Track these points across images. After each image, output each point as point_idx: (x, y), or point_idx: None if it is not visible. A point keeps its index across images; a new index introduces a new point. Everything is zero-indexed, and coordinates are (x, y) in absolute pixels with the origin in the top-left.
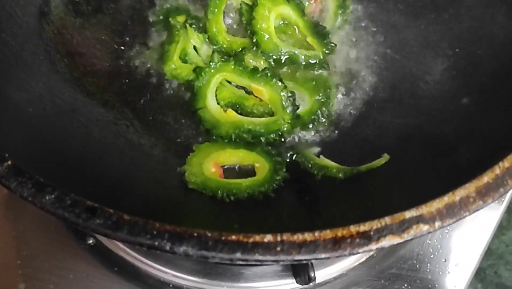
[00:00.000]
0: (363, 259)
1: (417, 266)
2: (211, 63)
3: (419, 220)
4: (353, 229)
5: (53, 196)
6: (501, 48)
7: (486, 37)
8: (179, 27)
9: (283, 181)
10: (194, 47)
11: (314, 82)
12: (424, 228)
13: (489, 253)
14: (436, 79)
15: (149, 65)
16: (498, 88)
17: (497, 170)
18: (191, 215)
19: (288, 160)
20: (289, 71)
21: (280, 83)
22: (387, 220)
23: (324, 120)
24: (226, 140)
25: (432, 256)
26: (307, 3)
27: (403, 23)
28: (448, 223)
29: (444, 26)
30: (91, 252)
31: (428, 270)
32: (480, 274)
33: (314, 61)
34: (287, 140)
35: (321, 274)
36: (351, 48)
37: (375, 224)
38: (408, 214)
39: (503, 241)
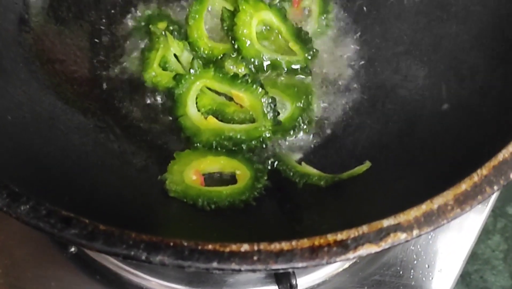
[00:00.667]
0: (346, 266)
1: (401, 272)
2: (191, 70)
3: (396, 228)
4: (330, 237)
5: (28, 206)
6: (483, 54)
7: (468, 43)
8: (159, 34)
9: (264, 189)
10: (175, 55)
11: (295, 89)
12: (402, 236)
13: (474, 258)
14: (416, 85)
15: (130, 72)
16: (476, 95)
17: (475, 177)
18: (171, 224)
19: (269, 167)
20: (272, 76)
21: (260, 90)
22: (364, 228)
23: (305, 126)
24: (207, 148)
25: (415, 262)
26: (288, 7)
27: (385, 29)
28: (426, 231)
29: (427, 32)
30: (73, 260)
31: (411, 276)
32: (466, 279)
33: (296, 67)
34: (268, 147)
35: (304, 281)
36: (332, 54)
37: (353, 233)
38: (386, 222)
39: (489, 245)
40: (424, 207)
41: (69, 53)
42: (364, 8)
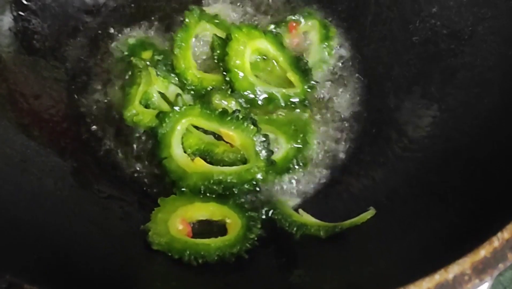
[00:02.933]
0: None
1: None
2: (175, 108)
3: None
4: None
5: None
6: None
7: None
8: (141, 67)
9: (257, 239)
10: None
11: (292, 126)
12: None
13: None
14: (424, 123)
15: (111, 108)
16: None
17: (495, 241)
18: (154, 281)
19: (263, 216)
20: (266, 111)
21: (252, 126)
22: None
23: (300, 169)
24: (195, 193)
25: None
26: (285, 33)
27: (391, 58)
28: None
29: (434, 65)
30: None
31: None
32: None
33: (294, 100)
34: (262, 190)
35: None
36: (334, 86)
37: None
38: None
39: (501, 282)
40: (437, 277)
41: (45, 87)
42: (368, 36)
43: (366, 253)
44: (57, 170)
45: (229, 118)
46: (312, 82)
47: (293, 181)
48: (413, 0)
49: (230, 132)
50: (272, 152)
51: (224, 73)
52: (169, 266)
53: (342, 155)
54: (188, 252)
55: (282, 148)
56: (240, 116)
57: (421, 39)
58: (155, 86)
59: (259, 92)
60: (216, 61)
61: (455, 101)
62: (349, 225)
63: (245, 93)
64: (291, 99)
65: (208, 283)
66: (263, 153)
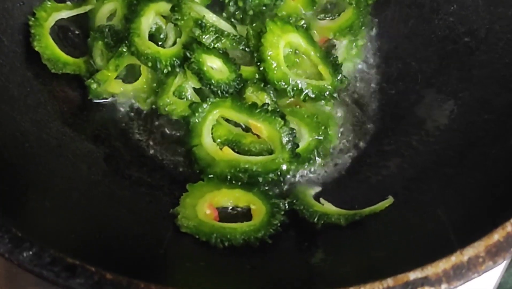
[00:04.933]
0: None
1: None
2: (208, 99)
3: (423, 282)
4: None
5: (31, 253)
6: None
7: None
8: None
9: (280, 225)
10: None
11: (315, 118)
12: None
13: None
14: (441, 117)
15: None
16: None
17: (508, 227)
18: (183, 262)
19: (286, 207)
20: (297, 101)
21: (280, 119)
22: (389, 281)
23: (320, 160)
24: (222, 180)
25: None
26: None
27: (410, 54)
28: (455, 286)
29: (452, 62)
30: None
31: None
32: None
33: (323, 93)
34: (285, 179)
35: None
36: (355, 80)
37: (377, 286)
38: (413, 275)
39: None
40: (453, 259)
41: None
42: (387, 31)
43: (384, 239)
44: (90, 155)
45: (258, 110)
46: (343, 75)
47: (315, 170)
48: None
49: (258, 124)
50: (297, 145)
51: (258, 63)
52: (197, 248)
53: (361, 146)
54: (215, 235)
55: (304, 139)
56: (269, 110)
57: (439, 36)
58: (189, 82)
59: (291, 82)
60: (249, 51)
61: (471, 97)
62: (368, 213)
63: (278, 83)
64: (320, 92)
65: (234, 265)
66: (289, 145)
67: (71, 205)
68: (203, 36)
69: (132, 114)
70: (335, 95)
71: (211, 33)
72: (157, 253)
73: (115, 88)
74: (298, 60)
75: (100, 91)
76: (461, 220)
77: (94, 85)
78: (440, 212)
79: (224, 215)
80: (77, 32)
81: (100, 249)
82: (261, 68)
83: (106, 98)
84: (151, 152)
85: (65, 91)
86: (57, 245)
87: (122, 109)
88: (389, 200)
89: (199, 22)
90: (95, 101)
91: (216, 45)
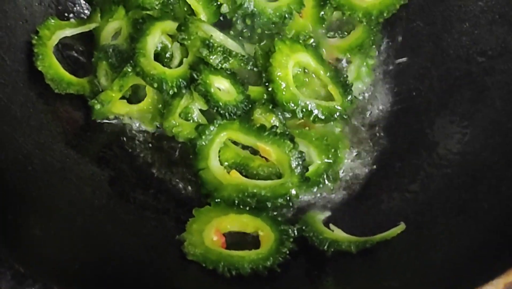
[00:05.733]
0: None
1: None
2: (215, 121)
3: None
4: None
5: None
6: None
7: None
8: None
9: (289, 252)
10: None
11: (325, 140)
12: None
13: None
14: (454, 140)
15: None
16: None
17: None
18: None
19: (295, 233)
20: (306, 123)
21: (289, 142)
22: None
23: (329, 184)
24: (229, 205)
25: None
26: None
27: (422, 73)
28: None
29: (465, 82)
30: None
31: None
32: None
33: (333, 114)
34: (294, 204)
35: None
36: (365, 100)
37: None
38: None
39: None
40: None
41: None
42: (398, 48)
43: (396, 267)
44: (94, 178)
45: (266, 133)
46: (353, 96)
47: (324, 194)
48: (445, 17)
49: (266, 147)
50: (307, 169)
51: (267, 83)
52: (203, 276)
53: (372, 169)
54: (222, 264)
55: (313, 162)
56: (278, 132)
57: (452, 55)
58: (196, 104)
59: (301, 104)
60: (257, 70)
61: (485, 118)
62: (379, 240)
63: (287, 104)
64: (331, 113)
65: None
66: (298, 169)
67: (75, 231)
68: (211, 57)
69: (138, 135)
70: (345, 116)
71: (218, 53)
72: (162, 281)
73: (120, 109)
74: (307, 80)
75: (104, 112)
76: (477, 250)
77: (97, 106)
78: (455, 240)
79: (232, 240)
80: (81, 50)
81: (105, 279)
82: (270, 89)
83: (111, 119)
84: (157, 174)
85: (68, 111)
86: (61, 280)
87: (127, 130)
88: (401, 226)
89: (207, 42)
90: (100, 121)
91: (223, 66)
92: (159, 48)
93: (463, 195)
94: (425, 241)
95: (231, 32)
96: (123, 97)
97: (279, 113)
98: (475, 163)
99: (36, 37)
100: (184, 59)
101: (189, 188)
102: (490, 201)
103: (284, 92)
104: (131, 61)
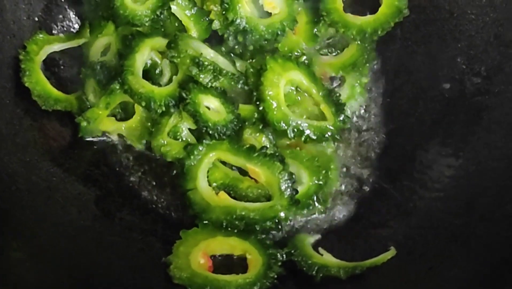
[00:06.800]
0: None
1: None
2: (204, 141)
3: None
4: None
5: None
6: None
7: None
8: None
9: (277, 277)
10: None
11: (316, 161)
12: None
13: None
14: (447, 162)
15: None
16: None
17: None
18: None
19: (284, 257)
20: (297, 143)
21: (279, 164)
22: None
23: (319, 206)
24: (217, 227)
25: None
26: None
27: (416, 93)
28: None
29: (459, 103)
30: None
31: None
32: None
33: (325, 134)
34: (283, 226)
35: None
36: (358, 120)
37: None
38: None
39: None
40: None
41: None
42: (392, 67)
43: None
44: (80, 198)
45: (256, 154)
46: (346, 115)
47: (314, 217)
48: (440, 36)
49: (256, 169)
50: (297, 191)
51: (258, 102)
52: None
53: (363, 190)
54: (208, 288)
55: (303, 184)
56: (268, 153)
57: (447, 75)
58: (185, 123)
59: (292, 123)
60: (248, 89)
61: (479, 141)
62: (369, 265)
63: (278, 124)
64: (322, 133)
65: None
66: (288, 192)
67: (59, 254)
68: (201, 75)
69: (126, 153)
70: (337, 136)
71: (208, 72)
72: None
73: (107, 126)
74: (299, 98)
75: (91, 129)
76: (469, 279)
77: (84, 123)
78: (446, 268)
79: (219, 263)
80: (69, 66)
81: None
82: (261, 108)
83: (98, 136)
84: (144, 194)
85: (56, 128)
86: None
87: (114, 148)
88: (391, 252)
89: (197, 60)
90: (87, 139)
91: (213, 84)
92: (148, 65)
93: (456, 221)
94: (416, 268)
95: (223, 48)
96: (111, 115)
97: (270, 134)
98: (468, 187)
99: (23, 53)
100: (174, 77)
101: (177, 208)
102: (483, 228)
103: (275, 112)
104: (119, 79)
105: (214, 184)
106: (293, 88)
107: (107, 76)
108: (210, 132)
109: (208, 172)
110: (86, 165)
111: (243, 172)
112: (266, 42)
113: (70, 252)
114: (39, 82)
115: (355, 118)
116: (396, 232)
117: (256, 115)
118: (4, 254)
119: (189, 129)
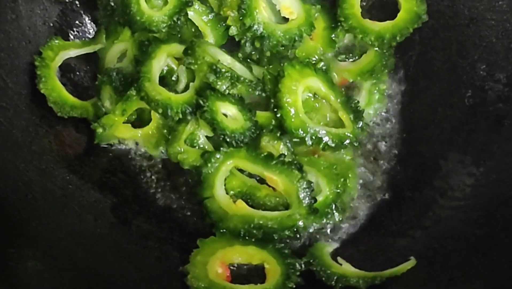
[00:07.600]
0: None
1: None
2: (221, 149)
3: None
4: None
5: None
6: None
7: None
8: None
9: (296, 288)
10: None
11: (334, 168)
12: None
13: None
14: (468, 171)
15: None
16: None
17: None
18: None
19: (302, 267)
20: (316, 150)
21: (297, 172)
22: None
23: (337, 214)
24: (234, 236)
25: None
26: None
27: (435, 100)
28: None
29: (479, 110)
30: None
31: None
32: None
33: (343, 142)
34: (301, 235)
35: None
36: (377, 127)
37: None
38: None
39: None
40: None
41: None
42: (411, 74)
43: None
44: (97, 205)
45: (274, 162)
46: (364, 122)
47: (332, 225)
48: (460, 42)
49: (274, 177)
50: (315, 199)
51: (275, 110)
52: None
53: (382, 199)
54: None
55: (322, 192)
56: (286, 161)
57: (466, 82)
58: (202, 130)
59: (310, 131)
60: (265, 96)
61: (500, 149)
62: (389, 275)
63: (296, 131)
64: (341, 140)
65: None
66: (306, 200)
67: (75, 264)
68: (218, 82)
69: (142, 160)
70: (356, 144)
71: (226, 78)
72: None
73: (123, 133)
74: (317, 105)
75: (107, 136)
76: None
77: (100, 130)
78: (468, 278)
79: (236, 272)
80: (85, 72)
81: None
82: (278, 115)
83: (115, 143)
84: (161, 201)
85: (71, 135)
86: None
87: (131, 155)
88: (411, 262)
89: (214, 67)
90: (103, 146)
91: (231, 91)
92: (164, 71)
93: (477, 231)
94: (437, 279)
95: (239, 54)
96: (127, 121)
97: (287, 141)
98: (489, 196)
99: (39, 59)
100: (191, 84)
101: (194, 217)
102: (505, 239)
103: (293, 119)
104: (136, 85)
105: (232, 192)
106: (311, 94)
107: (123, 82)
108: (228, 140)
109: (225, 180)
110: (102, 172)
111: (261, 180)
112: (283, 48)
113: (87, 261)
114: (54, 89)
115: (373, 125)
116: (416, 242)
117: (273, 122)
118: (21, 263)
119: (206, 136)
